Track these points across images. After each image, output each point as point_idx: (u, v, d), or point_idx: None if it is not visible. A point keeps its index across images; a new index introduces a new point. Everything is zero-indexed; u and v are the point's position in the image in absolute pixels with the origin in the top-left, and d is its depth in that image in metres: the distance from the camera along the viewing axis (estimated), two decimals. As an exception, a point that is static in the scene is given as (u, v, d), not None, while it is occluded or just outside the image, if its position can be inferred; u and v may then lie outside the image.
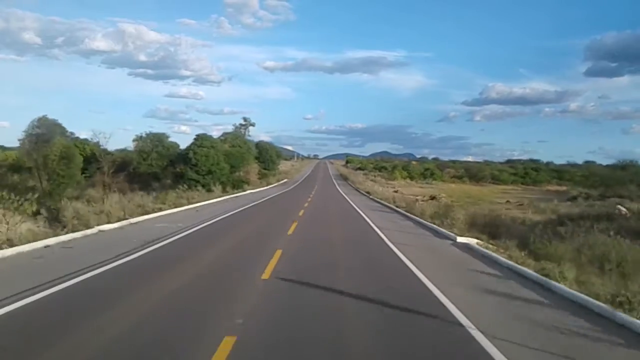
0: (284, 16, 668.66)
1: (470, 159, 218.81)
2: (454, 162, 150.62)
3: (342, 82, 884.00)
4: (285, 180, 69.06)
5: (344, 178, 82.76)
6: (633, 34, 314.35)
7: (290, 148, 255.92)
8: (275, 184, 56.58)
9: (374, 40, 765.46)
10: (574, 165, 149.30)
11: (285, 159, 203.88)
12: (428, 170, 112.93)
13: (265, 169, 67.07)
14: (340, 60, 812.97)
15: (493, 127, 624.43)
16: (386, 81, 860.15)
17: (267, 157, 68.58)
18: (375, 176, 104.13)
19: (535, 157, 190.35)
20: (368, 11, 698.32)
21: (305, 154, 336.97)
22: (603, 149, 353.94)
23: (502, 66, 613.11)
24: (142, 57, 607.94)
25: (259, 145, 70.30)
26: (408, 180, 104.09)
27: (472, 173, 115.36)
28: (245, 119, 61.88)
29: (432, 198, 61.68)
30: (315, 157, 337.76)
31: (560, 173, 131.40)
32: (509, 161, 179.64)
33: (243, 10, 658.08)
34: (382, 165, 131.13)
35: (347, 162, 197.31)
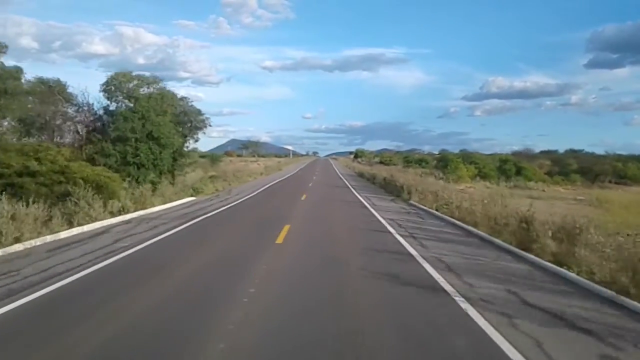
0: (284, 15, 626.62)
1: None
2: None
3: (342, 80, 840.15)
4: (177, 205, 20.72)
5: (388, 188, 28.97)
6: (635, 24, 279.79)
7: (290, 148, 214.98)
8: None
9: (373, 38, 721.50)
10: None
11: (277, 157, 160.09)
12: (508, 164, 64.11)
13: (125, 162, 18.60)
14: (339, 58, 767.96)
15: (494, 121, 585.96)
16: (385, 78, 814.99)
17: (150, 130, 19.59)
18: (420, 175, 55.58)
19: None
20: (367, 8, 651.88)
21: (304, 152, 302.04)
22: (604, 141, 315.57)
23: (502, 61, 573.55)
24: (141, 60, 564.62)
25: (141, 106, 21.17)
26: (487, 183, 55.53)
27: (584, 168, 66.25)
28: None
29: None
30: (315, 154, 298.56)
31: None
32: (543, 152, 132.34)
33: (242, 9, 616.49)
34: (420, 158, 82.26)
35: (356, 155, 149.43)
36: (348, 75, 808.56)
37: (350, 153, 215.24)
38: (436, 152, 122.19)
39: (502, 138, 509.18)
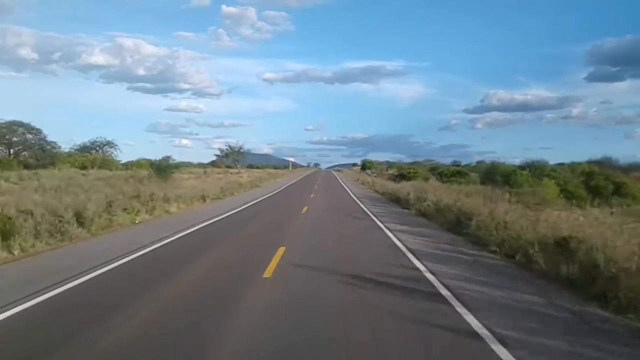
0: (283, 27, 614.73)
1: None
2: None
3: (342, 92, 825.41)
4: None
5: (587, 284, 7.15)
6: (634, 38, 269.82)
7: (291, 159, 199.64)
8: None
9: (373, 50, 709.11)
10: None
11: (276, 168, 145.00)
12: (597, 178, 43.94)
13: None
14: (339, 70, 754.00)
15: (495, 134, 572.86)
16: (386, 91, 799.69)
17: None
18: (466, 195, 34.84)
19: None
20: (366, 21, 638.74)
21: (305, 164, 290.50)
22: (606, 154, 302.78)
23: (502, 74, 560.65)
24: (141, 71, 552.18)
25: None
26: (591, 210, 34.74)
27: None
28: None
29: None
30: (316, 165, 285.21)
31: None
32: (560, 164, 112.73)
33: (241, 21, 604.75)
34: (455, 170, 62.31)
35: (363, 167, 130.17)
36: (348, 87, 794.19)
37: (354, 164, 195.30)
38: (448, 164, 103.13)
39: (503, 151, 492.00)
